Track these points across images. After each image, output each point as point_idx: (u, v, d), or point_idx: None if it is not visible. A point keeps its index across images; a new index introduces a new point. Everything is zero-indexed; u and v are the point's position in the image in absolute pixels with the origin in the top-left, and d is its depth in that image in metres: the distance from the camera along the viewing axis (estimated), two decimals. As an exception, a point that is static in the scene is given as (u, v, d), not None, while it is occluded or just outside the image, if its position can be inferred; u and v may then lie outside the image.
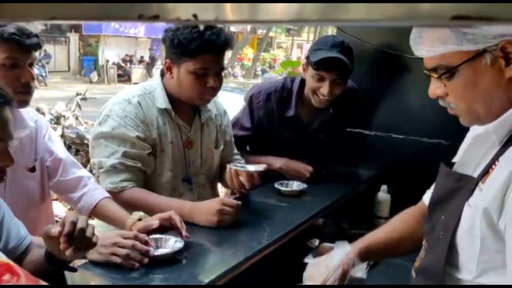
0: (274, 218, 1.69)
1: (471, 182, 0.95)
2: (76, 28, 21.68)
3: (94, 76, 19.55)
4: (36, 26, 1.37)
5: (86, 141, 5.68)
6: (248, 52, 25.83)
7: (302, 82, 2.13)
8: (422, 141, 2.15)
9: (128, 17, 0.31)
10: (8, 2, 0.32)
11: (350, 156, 2.44)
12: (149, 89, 1.73)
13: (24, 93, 1.38)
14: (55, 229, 1.00)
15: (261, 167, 1.70)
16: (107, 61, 20.92)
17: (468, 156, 1.02)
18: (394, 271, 1.53)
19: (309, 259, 1.64)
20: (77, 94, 6.90)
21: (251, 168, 1.69)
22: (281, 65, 6.51)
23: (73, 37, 22.34)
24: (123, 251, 1.20)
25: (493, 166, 0.93)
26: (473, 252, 0.93)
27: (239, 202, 1.62)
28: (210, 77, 1.63)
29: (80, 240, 1.01)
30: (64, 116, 6.17)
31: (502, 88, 0.89)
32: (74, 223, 1.00)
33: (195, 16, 0.29)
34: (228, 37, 1.63)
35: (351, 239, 1.87)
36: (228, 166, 1.68)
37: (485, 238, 0.91)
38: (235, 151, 2.05)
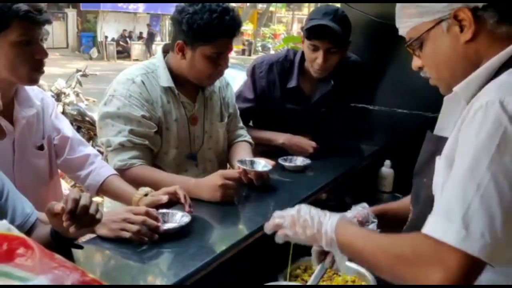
0: (278, 193, 1.70)
1: (445, 143, 0.96)
2: (74, 4, 21.34)
3: (94, 52, 19.29)
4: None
5: (87, 118, 5.65)
6: (248, 28, 25.46)
7: (304, 54, 2.11)
8: (427, 115, 2.14)
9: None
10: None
11: (353, 131, 2.44)
12: (152, 67, 1.72)
13: (37, 70, 1.38)
14: (58, 206, 1.00)
15: (269, 166, 1.71)
16: (106, 37, 20.65)
17: (444, 119, 1.04)
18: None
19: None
20: (77, 71, 6.83)
21: (260, 167, 1.71)
22: (283, 40, 6.44)
23: (71, 13, 22.00)
24: (134, 227, 1.22)
25: None
26: None
27: (241, 171, 1.63)
28: (222, 60, 1.65)
29: (83, 217, 1.01)
30: (64, 93, 6.13)
31: (461, 53, 0.94)
32: (76, 200, 1.00)
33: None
34: (241, 20, 1.66)
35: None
36: (237, 164, 1.69)
37: None
38: (240, 124, 2.05)
